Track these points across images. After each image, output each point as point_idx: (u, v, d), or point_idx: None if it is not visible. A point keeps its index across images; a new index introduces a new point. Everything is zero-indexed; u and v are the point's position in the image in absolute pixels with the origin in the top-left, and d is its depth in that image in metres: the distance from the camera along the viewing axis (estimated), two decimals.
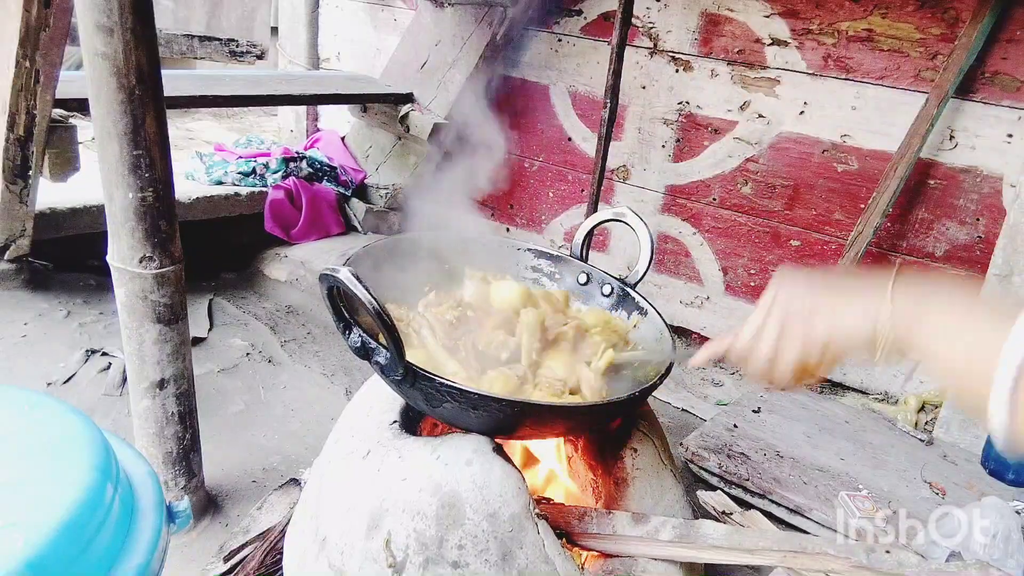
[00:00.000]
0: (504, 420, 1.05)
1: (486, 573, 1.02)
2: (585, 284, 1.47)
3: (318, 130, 3.81)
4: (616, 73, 2.43)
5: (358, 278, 0.92)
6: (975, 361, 0.60)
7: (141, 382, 1.47)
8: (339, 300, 1.01)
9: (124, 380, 1.97)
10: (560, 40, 2.95)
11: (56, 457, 0.78)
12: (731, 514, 1.77)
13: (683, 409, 2.44)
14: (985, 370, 0.57)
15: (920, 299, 0.67)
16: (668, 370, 1.16)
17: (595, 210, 2.52)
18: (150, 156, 1.30)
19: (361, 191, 3.35)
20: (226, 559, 1.45)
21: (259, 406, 2.15)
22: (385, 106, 3.15)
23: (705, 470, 1.95)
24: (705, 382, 2.68)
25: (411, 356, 1.04)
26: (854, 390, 2.57)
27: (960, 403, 0.62)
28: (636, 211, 1.39)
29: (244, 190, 2.98)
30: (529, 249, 1.51)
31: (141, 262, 1.36)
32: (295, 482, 1.65)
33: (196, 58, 3.40)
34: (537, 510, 1.08)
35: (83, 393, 2.01)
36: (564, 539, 1.13)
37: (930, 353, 0.66)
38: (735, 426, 2.11)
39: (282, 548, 1.37)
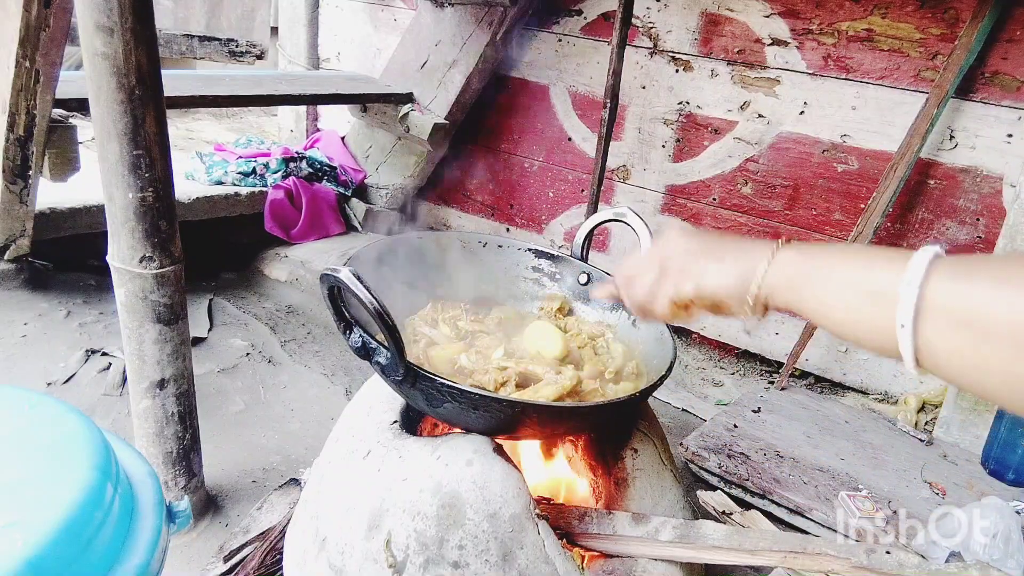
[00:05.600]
0: (505, 420, 1.05)
1: (487, 573, 1.02)
2: (586, 284, 1.47)
3: (318, 130, 3.81)
4: (616, 73, 2.43)
5: (359, 278, 0.92)
6: (870, 305, 0.62)
7: (141, 382, 1.47)
8: (340, 300, 1.01)
9: (124, 380, 1.97)
10: (560, 40, 2.95)
11: (56, 457, 0.78)
12: (731, 514, 1.77)
13: (683, 409, 2.44)
14: (883, 312, 0.59)
15: (805, 257, 0.70)
16: (669, 370, 1.16)
17: (595, 210, 2.52)
18: (150, 156, 1.30)
19: (361, 191, 3.35)
20: (226, 559, 1.45)
21: (259, 406, 2.15)
22: (385, 106, 3.15)
23: (705, 470, 1.95)
24: (705, 382, 2.68)
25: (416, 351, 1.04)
26: (854, 390, 2.57)
27: (862, 348, 0.72)
28: (636, 211, 1.39)
29: (244, 190, 2.98)
30: (530, 249, 1.51)
31: (141, 262, 1.36)
32: (295, 482, 1.65)
33: (196, 58, 3.40)
34: (537, 510, 1.08)
35: (83, 393, 2.01)
36: (564, 539, 1.13)
37: (821, 306, 0.67)
38: (735, 426, 2.11)
39: (282, 548, 1.37)
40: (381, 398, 1.25)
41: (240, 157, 3.07)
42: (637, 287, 0.88)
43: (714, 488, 1.92)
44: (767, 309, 0.74)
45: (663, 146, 2.79)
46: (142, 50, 1.23)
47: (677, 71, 2.70)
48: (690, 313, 0.84)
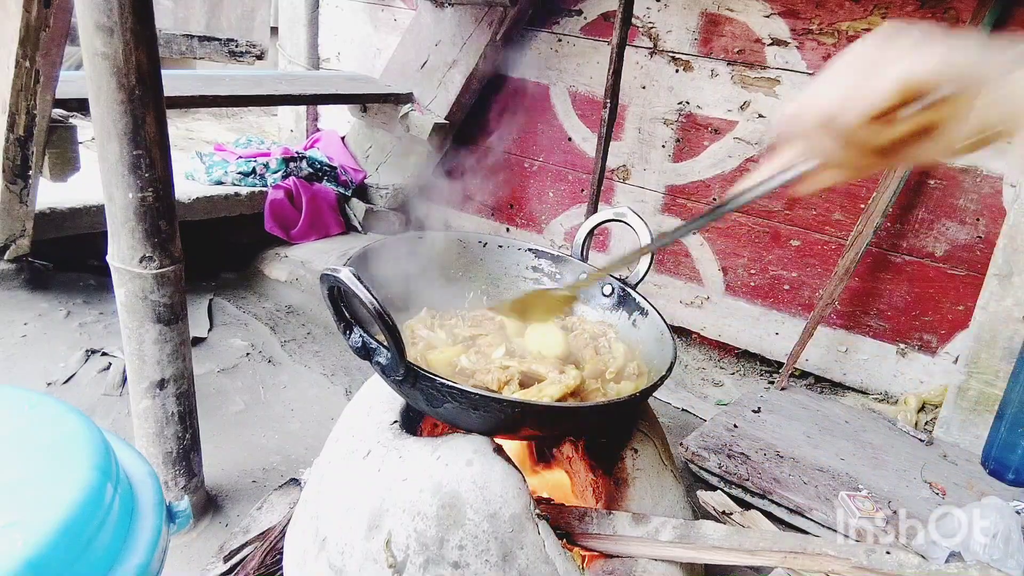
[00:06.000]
0: (505, 420, 1.05)
1: (487, 573, 1.02)
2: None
3: (318, 130, 3.81)
4: (616, 73, 2.43)
5: (359, 278, 0.92)
6: None
7: (141, 382, 1.47)
8: (340, 300, 1.01)
9: (124, 380, 1.97)
10: (560, 40, 2.95)
11: (56, 457, 0.78)
12: (731, 514, 1.77)
13: (683, 409, 2.44)
14: None
15: None
16: (669, 370, 1.16)
17: (595, 210, 2.52)
18: (150, 156, 1.30)
19: (361, 191, 3.34)
20: (226, 559, 1.45)
21: (259, 406, 2.15)
22: (385, 106, 3.15)
23: (705, 470, 1.95)
24: (705, 382, 2.68)
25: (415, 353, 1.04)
26: (854, 390, 2.57)
27: None
28: (636, 211, 1.39)
29: (244, 190, 2.98)
30: (530, 249, 1.51)
31: (141, 262, 1.36)
32: (295, 482, 1.65)
33: (196, 58, 3.40)
34: (538, 510, 1.08)
35: (83, 393, 2.01)
36: (565, 539, 1.13)
37: None
38: (735, 426, 2.11)
39: (282, 548, 1.37)
40: (381, 398, 1.25)
41: (240, 157, 3.06)
42: (833, 87, 0.62)
43: (714, 488, 1.92)
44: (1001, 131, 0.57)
45: (663, 146, 2.79)
46: (142, 50, 1.23)
47: (677, 71, 2.70)
48: (889, 131, 0.59)
